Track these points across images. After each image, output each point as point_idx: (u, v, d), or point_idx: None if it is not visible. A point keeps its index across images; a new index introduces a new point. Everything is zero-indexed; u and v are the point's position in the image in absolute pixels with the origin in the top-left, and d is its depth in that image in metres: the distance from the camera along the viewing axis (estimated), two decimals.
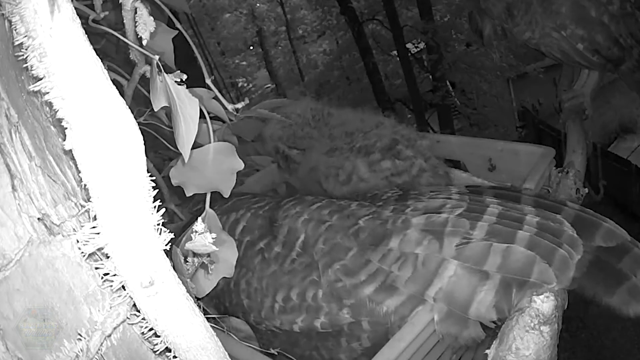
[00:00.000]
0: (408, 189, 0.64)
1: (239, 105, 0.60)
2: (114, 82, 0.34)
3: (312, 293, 0.57)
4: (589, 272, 0.51)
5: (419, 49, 6.20)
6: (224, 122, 0.71)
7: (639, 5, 0.93)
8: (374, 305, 0.55)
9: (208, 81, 0.59)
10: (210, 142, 0.58)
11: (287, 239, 0.61)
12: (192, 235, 0.46)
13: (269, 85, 8.55)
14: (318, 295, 0.57)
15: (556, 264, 0.51)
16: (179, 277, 0.36)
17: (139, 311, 0.36)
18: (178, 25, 0.60)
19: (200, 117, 0.50)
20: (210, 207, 0.58)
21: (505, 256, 0.52)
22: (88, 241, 0.33)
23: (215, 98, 0.60)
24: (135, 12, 0.50)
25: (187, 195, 0.58)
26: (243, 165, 0.59)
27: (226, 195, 0.59)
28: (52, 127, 0.41)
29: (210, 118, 0.59)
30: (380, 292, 0.55)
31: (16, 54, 0.34)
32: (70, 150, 0.32)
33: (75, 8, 0.31)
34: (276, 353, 0.60)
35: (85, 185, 0.32)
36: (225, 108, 0.60)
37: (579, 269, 0.51)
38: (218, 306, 0.65)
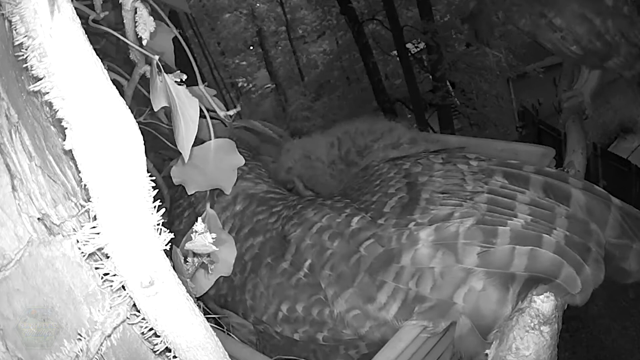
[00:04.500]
0: (419, 190, 0.59)
1: (232, 112, 0.60)
2: (114, 82, 0.34)
3: (317, 310, 0.56)
4: None
5: (419, 49, 6.20)
6: (224, 123, 0.71)
7: (637, 4, 0.94)
8: (399, 324, 0.53)
9: (201, 87, 0.59)
10: (210, 139, 0.58)
11: (295, 259, 0.59)
12: (192, 235, 0.46)
13: (269, 85, 8.55)
14: (324, 312, 0.56)
15: (582, 276, 0.52)
16: (179, 277, 0.36)
17: (139, 311, 0.36)
18: (173, 29, 0.60)
19: (200, 116, 0.50)
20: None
21: (531, 257, 0.52)
22: (88, 241, 0.33)
23: (213, 99, 0.60)
24: (135, 12, 0.50)
25: (189, 194, 0.58)
26: (244, 160, 0.59)
27: (227, 193, 0.59)
28: (52, 127, 0.41)
29: (211, 118, 0.59)
30: (404, 310, 0.53)
31: (16, 54, 0.34)
32: (70, 150, 0.32)
33: (75, 8, 0.31)
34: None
35: (85, 185, 0.32)
36: (218, 115, 0.60)
37: (637, 261, 0.55)
38: (218, 298, 0.64)
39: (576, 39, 0.92)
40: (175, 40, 0.61)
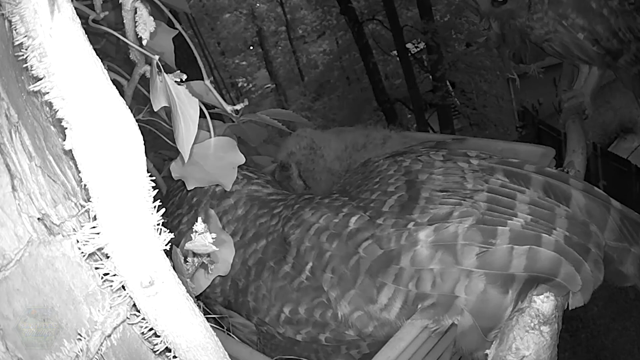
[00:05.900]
0: (419, 189, 0.59)
1: (238, 107, 0.60)
2: (114, 82, 0.34)
3: (320, 312, 0.56)
4: None
5: (419, 49, 6.21)
6: (224, 122, 0.71)
7: (636, 6, 0.95)
8: (401, 323, 0.53)
9: (207, 82, 0.59)
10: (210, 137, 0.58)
11: (296, 262, 0.59)
12: (192, 235, 0.46)
13: (269, 85, 8.56)
14: (327, 314, 0.56)
15: (582, 274, 0.51)
16: (179, 277, 0.36)
17: (139, 311, 0.36)
18: (177, 25, 0.60)
19: (200, 117, 0.50)
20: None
21: (530, 257, 0.51)
22: (88, 241, 0.33)
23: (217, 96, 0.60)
24: (135, 12, 0.50)
25: (188, 189, 0.58)
26: (244, 159, 0.58)
27: (227, 189, 0.59)
28: (52, 127, 0.41)
29: (211, 118, 0.59)
30: (406, 310, 0.53)
31: (16, 54, 0.34)
32: (70, 150, 0.32)
33: (75, 8, 0.31)
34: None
35: (85, 185, 0.32)
36: (224, 110, 0.60)
37: (635, 265, 0.55)
38: (222, 301, 0.64)
39: (596, 38, 0.93)
40: (175, 39, 0.61)
